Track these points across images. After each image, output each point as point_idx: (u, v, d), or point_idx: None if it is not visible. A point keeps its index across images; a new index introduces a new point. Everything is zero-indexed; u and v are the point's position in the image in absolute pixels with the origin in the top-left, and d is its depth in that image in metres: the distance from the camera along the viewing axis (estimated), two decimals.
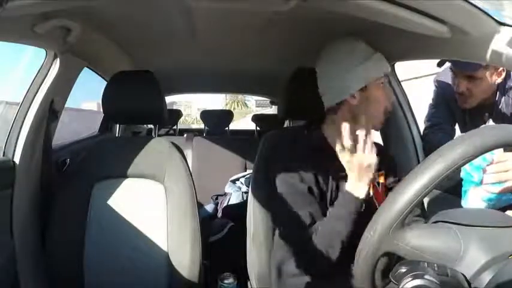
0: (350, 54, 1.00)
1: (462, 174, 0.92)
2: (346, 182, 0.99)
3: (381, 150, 1.10)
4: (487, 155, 0.87)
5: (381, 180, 1.05)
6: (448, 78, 1.42)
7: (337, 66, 1.01)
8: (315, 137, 1.06)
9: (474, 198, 0.91)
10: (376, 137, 1.36)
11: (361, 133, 0.94)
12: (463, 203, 0.95)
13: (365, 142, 0.94)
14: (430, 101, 1.52)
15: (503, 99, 1.31)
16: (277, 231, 1.08)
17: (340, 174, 1.00)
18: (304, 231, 0.95)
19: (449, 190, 1.26)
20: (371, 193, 0.99)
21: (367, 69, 0.99)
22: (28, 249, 1.15)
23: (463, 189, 0.95)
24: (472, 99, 1.34)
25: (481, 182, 0.89)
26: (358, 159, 0.94)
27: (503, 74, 1.27)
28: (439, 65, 1.42)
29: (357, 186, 0.95)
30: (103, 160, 1.22)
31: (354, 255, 0.64)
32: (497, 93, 1.32)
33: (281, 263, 1.04)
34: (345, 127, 0.94)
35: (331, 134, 1.05)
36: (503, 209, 0.89)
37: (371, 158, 0.94)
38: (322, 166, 1.00)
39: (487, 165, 0.87)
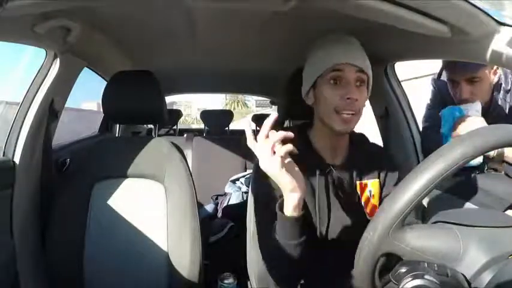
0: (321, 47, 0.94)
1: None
2: (334, 187, 0.96)
3: (379, 152, 1.08)
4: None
5: (375, 188, 0.98)
6: (446, 77, 1.42)
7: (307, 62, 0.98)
8: (303, 140, 1.01)
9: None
10: (376, 137, 1.36)
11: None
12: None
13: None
14: (428, 101, 1.52)
15: (499, 100, 1.31)
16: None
17: (327, 179, 0.96)
18: None
19: (449, 190, 1.26)
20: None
21: (323, 59, 0.91)
22: (28, 249, 1.15)
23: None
24: None
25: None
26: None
27: (498, 73, 1.27)
28: (439, 77, 1.42)
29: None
30: (103, 160, 1.22)
31: (352, 256, 0.64)
32: (493, 93, 1.32)
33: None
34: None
35: (313, 136, 1.01)
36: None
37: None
38: (313, 169, 0.96)
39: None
